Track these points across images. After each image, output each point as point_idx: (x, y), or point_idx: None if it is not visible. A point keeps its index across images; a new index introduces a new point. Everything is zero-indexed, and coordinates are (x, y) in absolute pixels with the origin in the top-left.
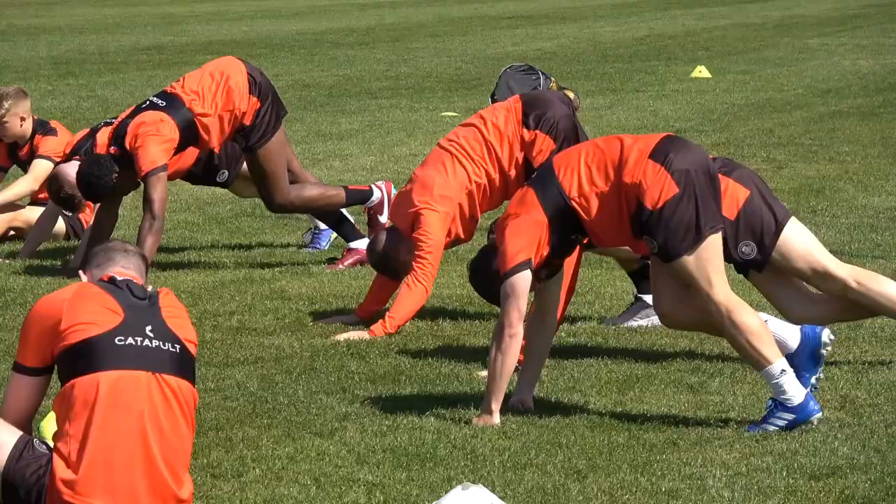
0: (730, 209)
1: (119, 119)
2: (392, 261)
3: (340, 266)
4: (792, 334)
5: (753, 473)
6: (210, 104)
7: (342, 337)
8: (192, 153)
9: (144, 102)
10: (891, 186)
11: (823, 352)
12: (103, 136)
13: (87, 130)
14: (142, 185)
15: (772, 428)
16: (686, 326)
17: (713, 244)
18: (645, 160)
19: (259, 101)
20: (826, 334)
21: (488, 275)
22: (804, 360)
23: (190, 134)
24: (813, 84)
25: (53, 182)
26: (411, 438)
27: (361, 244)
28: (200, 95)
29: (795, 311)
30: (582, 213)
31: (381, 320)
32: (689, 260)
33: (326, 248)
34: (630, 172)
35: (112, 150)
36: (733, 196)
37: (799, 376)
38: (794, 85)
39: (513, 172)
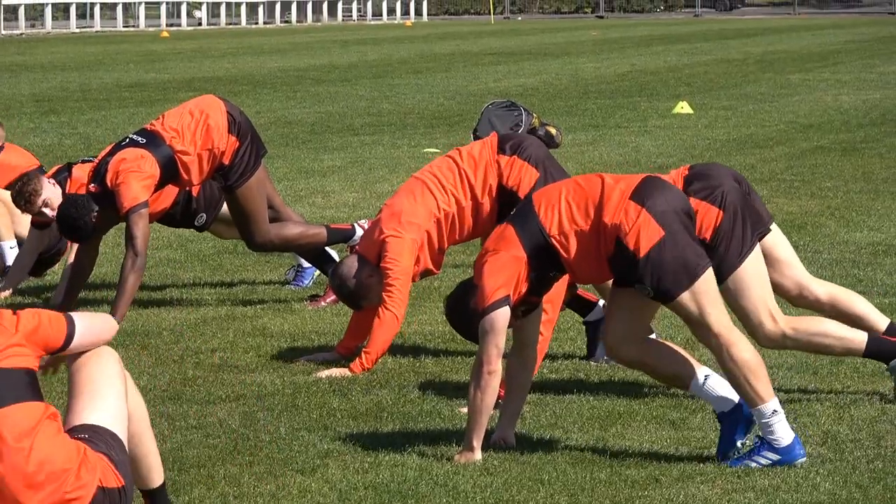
0: (707, 231)
1: (99, 157)
2: (355, 284)
3: (323, 303)
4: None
5: None
6: (190, 142)
7: (324, 374)
8: (170, 194)
9: (124, 140)
10: (873, 222)
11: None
12: (80, 172)
13: (62, 165)
14: (121, 223)
15: (754, 465)
16: (629, 364)
17: (707, 279)
18: (626, 201)
19: (238, 140)
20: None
21: (466, 312)
22: (738, 418)
23: (170, 171)
24: (795, 120)
25: (19, 178)
26: (393, 475)
27: None
28: (180, 133)
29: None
30: (561, 250)
31: (357, 357)
32: (686, 297)
33: (309, 285)
34: (611, 213)
35: (92, 187)
36: (710, 217)
37: (728, 436)
38: (776, 120)
39: (486, 202)
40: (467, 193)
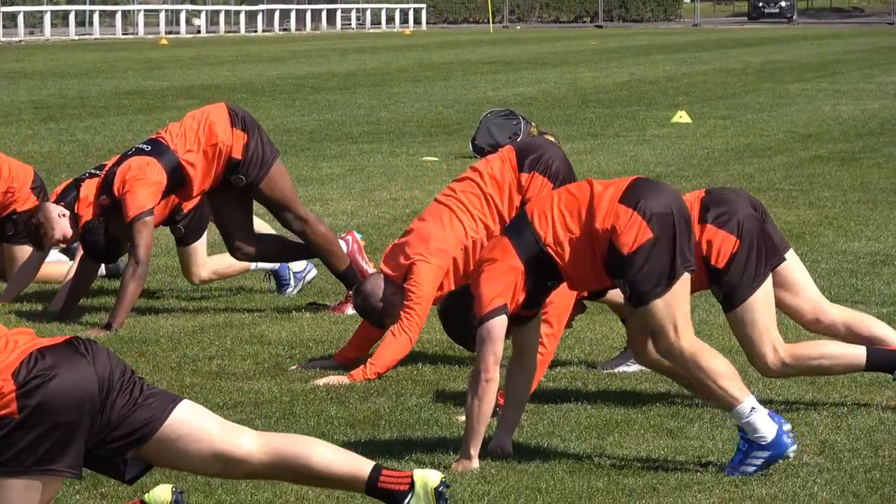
0: (722, 259)
1: (107, 168)
2: (380, 301)
3: (335, 310)
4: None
5: None
6: (193, 141)
7: (322, 381)
8: (173, 204)
9: (130, 150)
10: (870, 231)
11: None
12: (87, 189)
13: (69, 181)
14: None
15: (750, 469)
16: (662, 369)
17: (682, 290)
18: (615, 204)
19: (245, 134)
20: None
21: (461, 319)
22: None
23: (177, 176)
24: (793, 129)
25: (29, 211)
26: None
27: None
28: (184, 135)
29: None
30: (557, 258)
31: (361, 366)
32: (659, 305)
33: (305, 276)
34: (602, 218)
35: (102, 199)
36: (727, 245)
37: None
38: (775, 130)
39: None
40: (496, 218)
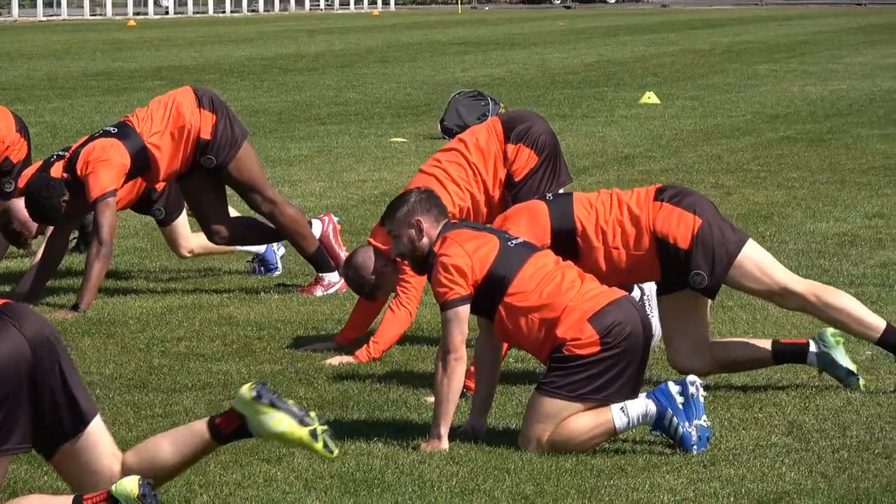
0: (684, 238)
1: (73, 147)
2: (368, 272)
3: (316, 292)
4: (641, 404)
5: (701, 499)
6: (160, 122)
7: (335, 361)
8: (140, 187)
9: (98, 132)
10: (838, 212)
11: (694, 391)
12: (57, 171)
13: (40, 163)
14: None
15: (694, 438)
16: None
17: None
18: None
19: (213, 114)
20: (689, 379)
21: None
22: (677, 412)
23: (142, 159)
24: (761, 110)
25: (3, 216)
26: (359, 464)
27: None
28: (150, 118)
29: (680, 359)
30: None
31: (365, 345)
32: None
33: (278, 262)
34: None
35: (65, 176)
36: (686, 226)
37: (679, 427)
38: (743, 111)
39: (496, 193)
40: (480, 187)
